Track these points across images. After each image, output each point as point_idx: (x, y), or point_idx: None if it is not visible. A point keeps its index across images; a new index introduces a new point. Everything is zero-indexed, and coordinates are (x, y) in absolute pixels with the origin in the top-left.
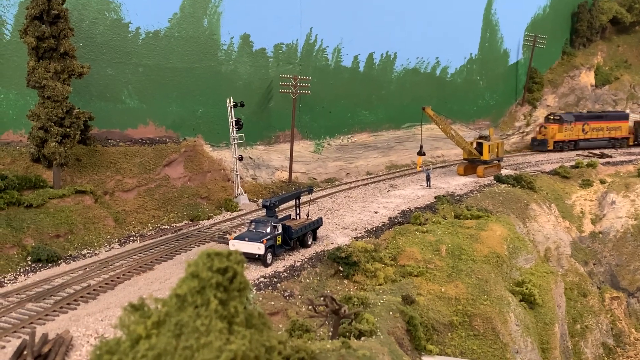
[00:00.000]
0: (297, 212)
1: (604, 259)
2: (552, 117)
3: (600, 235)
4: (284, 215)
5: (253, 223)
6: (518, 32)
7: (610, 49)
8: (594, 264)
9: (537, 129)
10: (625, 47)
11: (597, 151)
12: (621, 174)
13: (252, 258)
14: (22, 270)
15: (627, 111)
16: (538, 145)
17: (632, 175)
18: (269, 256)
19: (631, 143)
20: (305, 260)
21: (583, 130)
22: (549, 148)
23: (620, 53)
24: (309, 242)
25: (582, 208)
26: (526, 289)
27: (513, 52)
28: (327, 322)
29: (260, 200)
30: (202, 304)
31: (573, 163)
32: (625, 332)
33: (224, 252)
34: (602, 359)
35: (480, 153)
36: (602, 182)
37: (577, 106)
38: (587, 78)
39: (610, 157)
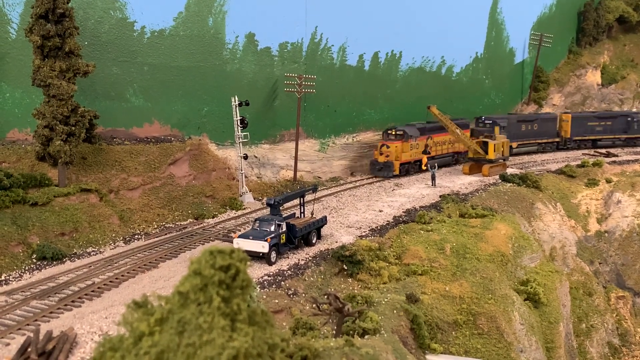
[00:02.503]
0: (302, 210)
1: (609, 258)
2: (393, 132)
3: (606, 234)
4: (289, 213)
5: (257, 221)
6: (524, 31)
7: (617, 48)
8: (600, 263)
9: (377, 147)
10: (631, 46)
11: (603, 150)
12: (627, 173)
13: (256, 256)
14: (27, 268)
15: (467, 119)
16: (380, 170)
17: (638, 174)
18: (273, 254)
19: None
20: (310, 258)
21: (427, 146)
22: (394, 173)
23: (626, 52)
24: (314, 241)
25: (587, 207)
26: (531, 288)
27: (519, 51)
28: (330, 321)
29: (265, 199)
30: (205, 302)
31: (579, 162)
32: (630, 332)
33: (227, 249)
34: (607, 358)
35: (486, 152)
36: (608, 181)
37: (584, 105)
38: (594, 77)
39: (616, 156)
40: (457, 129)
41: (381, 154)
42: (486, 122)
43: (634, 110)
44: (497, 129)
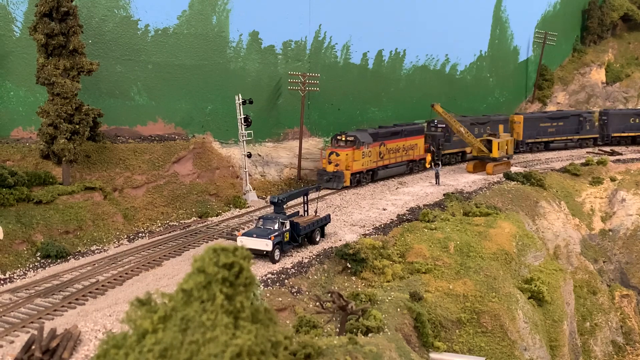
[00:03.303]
0: (305, 209)
1: (613, 257)
2: (343, 139)
3: (610, 232)
4: (292, 212)
5: (261, 220)
6: (528, 29)
7: (621, 46)
8: (604, 262)
9: (325, 155)
10: (636, 44)
11: (607, 148)
12: (632, 171)
13: (260, 254)
14: (31, 266)
15: (422, 123)
16: (329, 182)
17: None
18: (277, 253)
19: (427, 165)
20: (313, 256)
21: (380, 154)
22: (345, 184)
23: (631, 50)
24: (317, 239)
25: (592, 205)
26: (535, 286)
27: (523, 49)
28: (334, 319)
29: (269, 197)
30: (208, 299)
31: (583, 160)
32: (635, 330)
33: (230, 247)
34: (611, 356)
35: (490, 150)
36: (612, 179)
37: (588, 103)
38: (598, 75)
39: (621, 154)
40: (462, 127)
41: (330, 162)
42: (439, 125)
43: (588, 109)
44: (501, 127)
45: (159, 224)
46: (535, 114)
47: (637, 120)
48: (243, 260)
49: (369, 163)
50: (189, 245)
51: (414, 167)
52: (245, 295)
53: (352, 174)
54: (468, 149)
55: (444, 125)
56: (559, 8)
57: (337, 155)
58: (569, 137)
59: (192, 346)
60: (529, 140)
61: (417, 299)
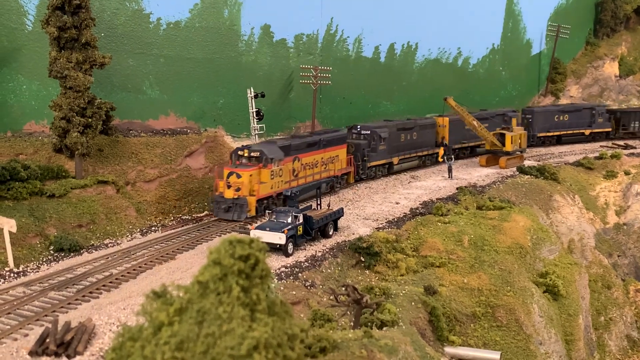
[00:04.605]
0: (318, 202)
1: (628, 251)
2: (246, 154)
3: (625, 226)
4: (305, 205)
5: (274, 213)
6: (541, 22)
7: (635, 39)
8: (618, 256)
9: (223, 176)
10: None
11: (620, 142)
12: None
13: (273, 248)
14: (44, 260)
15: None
16: (228, 211)
17: None
18: (290, 246)
19: (352, 180)
20: (327, 250)
21: (294, 171)
22: (249, 214)
23: None
24: (330, 233)
25: (606, 199)
26: (550, 280)
27: (536, 42)
28: (348, 312)
29: (282, 190)
30: (224, 291)
31: (597, 154)
32: None
33: (246, 239)
34: (626, 351)
35: (503, 144)
36: (627, 173)
37: (601, 97)
38: (611, 68)
39: (635, 148)
40: (475, 121)
41: (228, 186)
42: (362, 132)
43: (513, 109)
44: (514, 120)
45: (172, 218)
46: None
47: (563, 118)
48: (259, 252)
49: (280, 184)
50: (202, 238)
51: (335, 184)
52: (261, 287)
53: (258, 200)
54: (396, 160)
55: (369, 132)
56: (572, 1)
57: (238, 176)
58: None
59: (208, 339)
60: (456, 147)
61: (432, 293)
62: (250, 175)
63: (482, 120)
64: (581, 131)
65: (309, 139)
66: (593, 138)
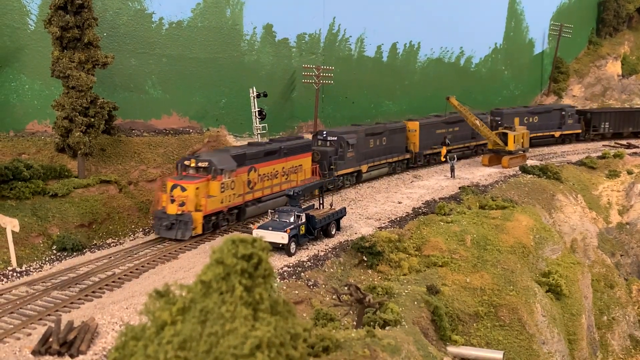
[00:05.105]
0: (321, 201)
1: (631, 250)
2: (193, 164)
3: (628, 226)
4: (308, 205)
5: (277, 212)
6: (543, 21)
7: (638, 39)
8: (621, 256)
9: (166, 188)
10: None
11: (624, 141)
12: None
13: (275, 247)
14: (47, 259)
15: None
16: (170, 229)
17: None
18: (293, 245)
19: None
20: (329, 249)
21: (249, 183)
22: (194, 232)
23: None
24: (333, 232)
25: (609, 199)
26: (553, 279)
27: (538, 41)
28: (351, 312)
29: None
30: (227, 291)
31: (600, 154)
32: None
33: (249, 238)
34: (629, 351)
35: (505, 143)
36: (629, 172)
37: (604, 96)
38: (614, 68)
39: (637, 147)
40: (477, 120)
41: (172, 200)
42: (328, 138)
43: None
44: (516, 120)
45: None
46: (431, 119)
47: (532, 120)
48: (262, 252)
49: (232, 198)
50: (205, 238)
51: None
52: (264, 286)
53: (205, 217)
54: (365, 167)
55: (335, 138)
56: (574, 0)
57: (183, 189)
58: (465, 145)
59: (211, 338)
60: (427, 152)
61: (434, 292)
62: (197, 188)
63: (452, 124)
64: (551, 133)
65: (267, 146)
66: (563, 140)
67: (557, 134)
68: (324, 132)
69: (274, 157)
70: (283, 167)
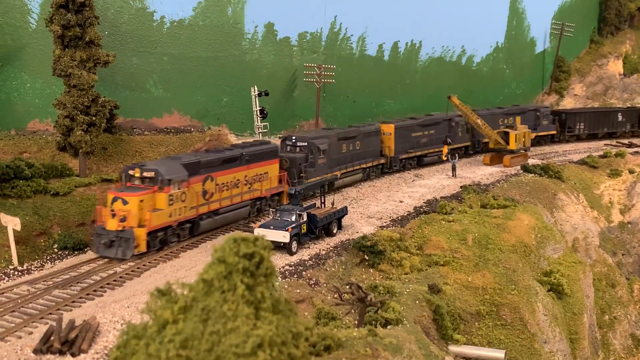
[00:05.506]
0: (322, 200)
1: (632, 250)
2: (138, 174)
3: (629, 225)
4: (309, 203)
5: (278, 211)
6: (545, 20)
7: (639, 38)
8: (623, 255)
9: (107, 202)
10: None
11: (625, 140)
12: None
13: (277, 246)
14: (48, 258)
15: (276, 139)
16: (110, 247)
17: None
18: (294, 244)
19: (286, 201)
20: (331, 248)
21: (205, 194)
22: (136, 250)
23: None
24: (334, 231)
25: (610, 198)
26: (554, 278)
27: (540, 40)
28: (353, 311)
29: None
30: (229, 289)
31: (601, 153)
32: None
33: (251, 237)
34: (630, 350)
35: (507, 142)
36: (631, 171)
37: (605, 95)
38: (615, 67)
39: (639, 146)
40: (479, 119)
41: (113, 214)
42: (298, 144)
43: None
44: (518, 119)
45: None
46: (407, 121)
47: (507, 121)
48: (263, 250)
49: (182, 211)
50: (206, 237)
51: (263, 206)
52: (266, 285)
53: (150, 233)
54: (337, 174)
55: (305, 144)
56: None
57: (125, 202)
58: (440, 149)
59: (213, 336)
60: (403, 157)
61: (436, 291)
62: (141, 201)
63: (428, 127)
64: None
65: (227, 153)
66: (537, 142)
67: (532, 135)
68: (293, 137)
69: (234, 164)
70: (245, 176)
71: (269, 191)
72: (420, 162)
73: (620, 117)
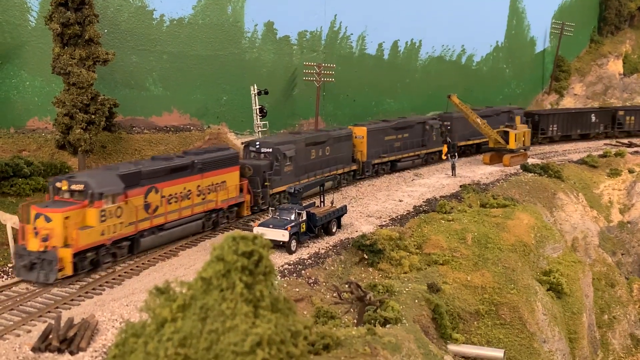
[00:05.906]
0: (322, 199)
1: (632, 249)
2: (65, 187)
3: (629, 225)
4: (309, 202)
5: (278, 210)
6: (545, 19)
7: (639, 37)
8: (622, 254)
9: (30, 219)
10: None
11: (625, 140)
12: None
13: (276, 245)
14: None
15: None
16: (32, 269)
17: None
18: (294, 243)
19: (247, 213)
20: (330, 247)
21: (148, 207)
22: (61, 274)
23: None
24: (334, 230)
25: (610, 197)
26: (554, 278)
27: (540, 40)
28: (352, 310)
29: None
30: (228, 288)
31: (601, 152)
32: None
33: (250, 235)
34: (629, 350)
35: (507, 141)
36: (631, 171)
37: (605, 95)
38: (615, 66)
39: (639, 145)
40: (478, 119)
41: (36, 233)
42: (262, 150)
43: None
44: (518, 118)
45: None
46: (379, 124)
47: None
48: (262, 249)
49: (118, 228)
50: (205, 236)
51: (219, 220)
52: (265, 284)
53: (77, 254)
54: (304, 180)
55: (270, 150)
56: None
57: (48, 220)
58: (416, 153)
59: (211, 335)
60: (376, 162)
61: (435, 291)
62: (66, 218)
63: (402, 130)
64: None
65: (176, 161)
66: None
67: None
68: (257, 143)
69: (184, 173)
70: (198, 186)
71: (225, 202)
72: (393, 168)
73: (593, 118)
